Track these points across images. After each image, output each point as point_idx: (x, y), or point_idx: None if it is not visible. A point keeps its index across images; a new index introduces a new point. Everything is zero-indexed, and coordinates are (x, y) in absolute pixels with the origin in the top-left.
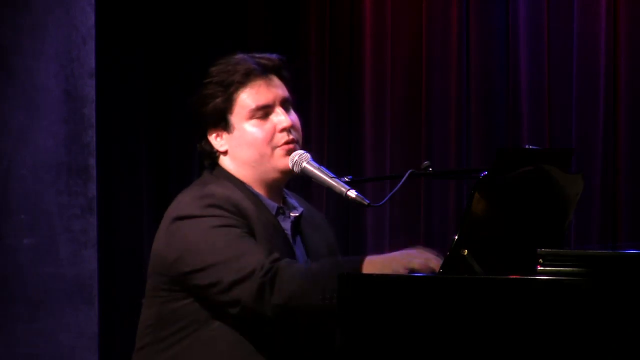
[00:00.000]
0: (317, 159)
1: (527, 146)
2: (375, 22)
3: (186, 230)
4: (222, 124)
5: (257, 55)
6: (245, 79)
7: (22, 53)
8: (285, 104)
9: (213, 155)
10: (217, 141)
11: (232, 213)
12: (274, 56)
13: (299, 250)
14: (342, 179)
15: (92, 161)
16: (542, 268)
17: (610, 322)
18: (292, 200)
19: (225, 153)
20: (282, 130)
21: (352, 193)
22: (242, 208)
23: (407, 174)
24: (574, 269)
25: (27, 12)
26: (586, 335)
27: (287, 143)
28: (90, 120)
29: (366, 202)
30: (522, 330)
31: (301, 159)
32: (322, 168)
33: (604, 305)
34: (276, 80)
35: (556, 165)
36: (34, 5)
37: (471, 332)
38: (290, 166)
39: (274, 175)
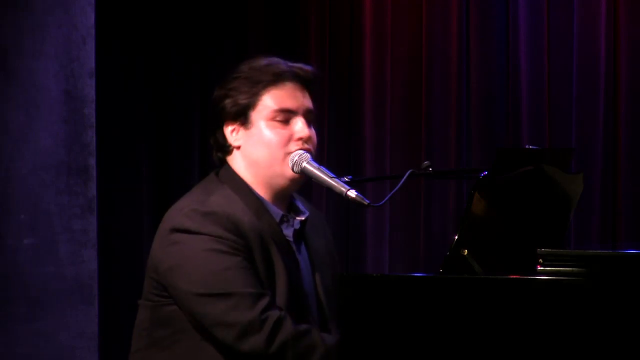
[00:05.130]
0: (317, 159)
1: (527, 146)
2: (375, 22)
3: (182, 245)
4: (242, 119)
5: (291, 62)
6: (276, 79)
7: (22, 53)
8: (307, 116)
9: (225, 148)
10: (233, 135)
11: (230, 232)
12: (308, 67)
13: (301, 257)
14: (342, 179)
15: (92, 161)
16: (542, 268)
17: (610, 322)
18: (299, 204)
19: (238, 148)
20: (299, 139)
21: (352, 193)
22: (241, 226)
23: (407, 174)
24: (574, 269)
25: (27, 12)
26: (586, 335)
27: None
28: (90, 120)
29: (366, 202)
30: (522, 330)
31: (301, 159)
32: (322, 168)
33: (604, 305)
34: (304, 91)
35: (556, 165)
36: (34, 5)
37: (471, 332)
38: (290, 166)
39: (280, 181)
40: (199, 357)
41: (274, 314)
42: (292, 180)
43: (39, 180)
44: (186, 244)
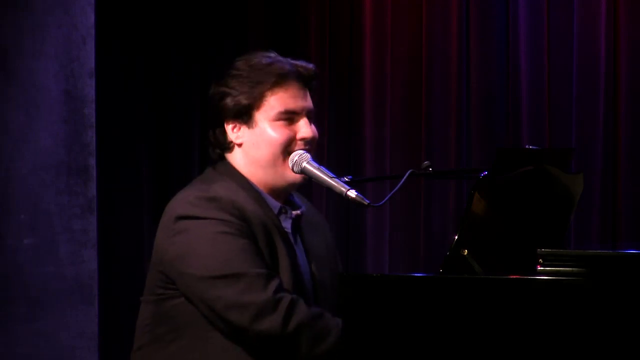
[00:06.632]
0: (317, 159)
1: (527, 146)
2: (375, 22)
3: (189, 231)
4: (245, 117)
5: (293, 60)
6: (281, 80)
7: (22, 53)
8: (309, 115)
9: (225, 145)
10: (234, 132)
11: (235, 217)
12: (310, 65)
13: (298, 250)
14: (342, 179)
15: (92, 161)
16: (542, 268)
17: (610, 322)
18: (295, 199)
19: (239, 145)
20: (302, 139)
21: (352, 193)
22: (245, 212)
23: (407, 174)
24: (574, 269)
25: (27, 12)
26: (586, 335)
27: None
28: (90, 120)
29: (366, 202)
30: (522, 330)
31: (301, 159)
32: (322, 168)
33: (604, 305)
34: (306, 90)
35: (556, 165)
36: (34, 5)
37: (471, 332)
38: (290, 166)
39: (282, 183)
40: (204, 351)
41: (288, 295)
42: (292, 184)
43: (39, 180)
44: (193, 230)
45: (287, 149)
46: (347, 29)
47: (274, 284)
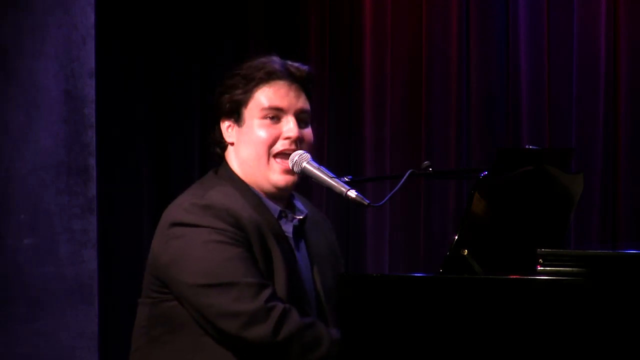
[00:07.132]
0: (317, 159)
1: (527, 146)
2: (375, 22)
3: (182, 238)
4: (235, 116)
5: (290, 61)
6: (268, 77)
7: (22, 53)
8: (300, 116)
9: (221, 144)
10: (228, 132)
11: (229, 225)
12: (304, 67)
13: (300, 254)
14: (342, 179)
15: (92, 161)
16: (542, 268)
17: (610, 322)
18: (298, 203)
19: (232, 144)
20: (287, 138)
21: (352, 193)
22: (240, 219)
23: (407, 174)
24: (574, 269)
25: (27, 12)
26: (586, 335)
27: (285, 153)
28: (90, 120)
29: (366, 202)
30: (522, 330)
31: (301, 159)
32: (322, 168)
33: (604, 305)
34: (298, 90)
35: (556, 165)
36: (34, 5)
37: (471, 332)
38: (291, 166)
39: (268, 186)
40: (199, 353)
41: (280, 305)
42: (279, 189)
43: (39, 180)
44: (186, 237)
45: (270, 148)
46: (347, 29)
47: (266, 293)
